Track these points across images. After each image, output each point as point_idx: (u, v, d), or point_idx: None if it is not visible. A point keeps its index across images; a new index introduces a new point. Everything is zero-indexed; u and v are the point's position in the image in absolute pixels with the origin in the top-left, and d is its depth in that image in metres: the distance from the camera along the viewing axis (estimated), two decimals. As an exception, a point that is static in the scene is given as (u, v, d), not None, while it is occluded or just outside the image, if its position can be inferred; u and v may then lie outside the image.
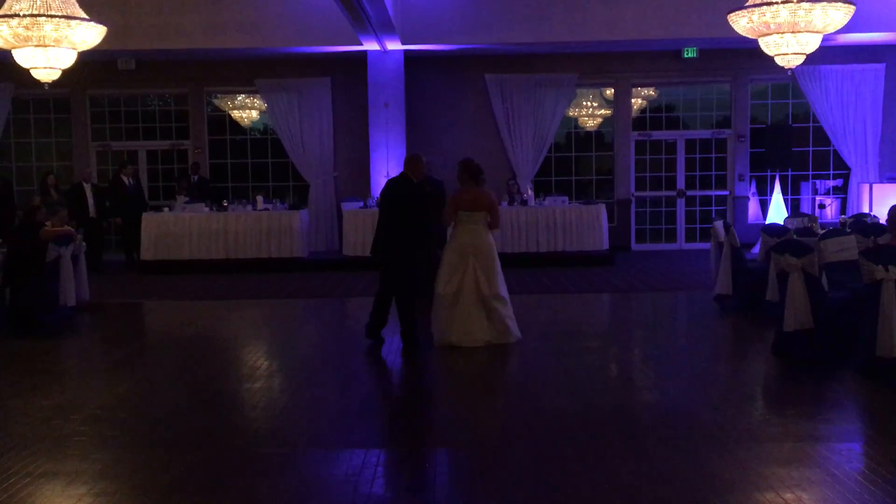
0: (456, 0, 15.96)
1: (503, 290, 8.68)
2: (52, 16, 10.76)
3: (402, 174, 8.87)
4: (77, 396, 7.08)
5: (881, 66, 17.39)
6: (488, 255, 8.59)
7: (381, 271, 8.89)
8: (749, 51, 14.86)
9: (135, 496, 4.81)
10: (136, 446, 5.71)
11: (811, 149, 18.15)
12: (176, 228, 15.62)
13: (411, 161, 8.92)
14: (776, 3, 10.73)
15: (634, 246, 18.22)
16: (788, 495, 4.58)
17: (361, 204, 16.05)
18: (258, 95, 18.17)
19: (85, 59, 12.89)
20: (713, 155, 18.31)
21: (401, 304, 8.70)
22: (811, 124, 18.03)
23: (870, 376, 6.91)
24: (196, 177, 17.08)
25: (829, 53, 16.19)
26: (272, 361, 8.80)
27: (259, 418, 6.52)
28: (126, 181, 16.17)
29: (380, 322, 8.89)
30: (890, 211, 7.45)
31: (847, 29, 12.24)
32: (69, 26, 10.93)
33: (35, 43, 10.92)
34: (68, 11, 10.93)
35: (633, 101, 18.27)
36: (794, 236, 9.57)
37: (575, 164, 18.61)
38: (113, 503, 4.69)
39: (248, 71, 17.70)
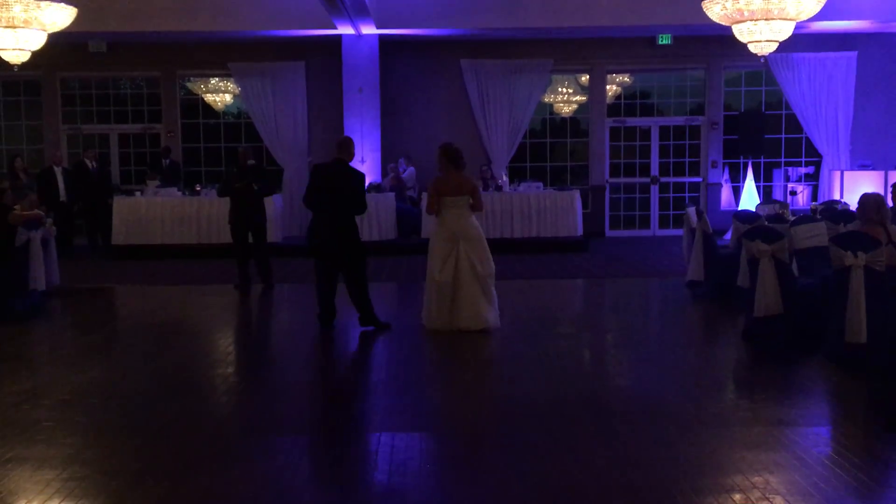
0: (431, -16, 15.91)
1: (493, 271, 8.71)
2: (21, -4, 10.63)
3: (335, 158, 8.79)
4: (47, 382, 7.02)
5: (853, 55, 17.52)
6: (476, 238, 8.61)
7: (321, 259, 8.74)
8: (723, 38, 14.89)
9: (104, 481, 4.78)
10: (106, 431, 5.67)
11: (783, 136, 18.28)
12: (148, 213, 15.50)
13: (345, 144, 8.88)
14: (750, -10, 10.78)
15: (608, 232, 18.29)
16: (756, 478, 4.63)
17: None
18: (231, 79, 18.03)
19: (55, 41, 12.72)
20: (687, 142, 18.39)
21: (359, 289, 8.67)
22: (784, 112, 18.15)
23: (838, 362, 6.97)
24: (167, 160, 16.95)
25: (801, 41, 16.29)
26: (244, 347, 8.77)
27: (230, 403, 6.50)
28: (89, 165, 16.00)
29: (332, 311, 8.83)
30: (860, 198, 7.52)
31: (820, 17, 12.33)
32: (39, 7, 10.81)
33: (4, 24, 10.79)
34: (38, -8, 10.80)
35: (607, 87, 18.29)
36: (766, 223, 9.64)
37: (550, 150, 18.64)
38: (82, 488, 4.66)
39: (222, 54, 17.54)
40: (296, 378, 7.36)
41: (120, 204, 15.54)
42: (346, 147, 8.83)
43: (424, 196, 15.52)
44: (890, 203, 10.13)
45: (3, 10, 10.63)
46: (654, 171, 18.43)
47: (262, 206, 11.84)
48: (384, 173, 16.84)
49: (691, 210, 10.95)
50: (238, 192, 11.50)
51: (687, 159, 18.43)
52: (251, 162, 12.01)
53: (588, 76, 18.25)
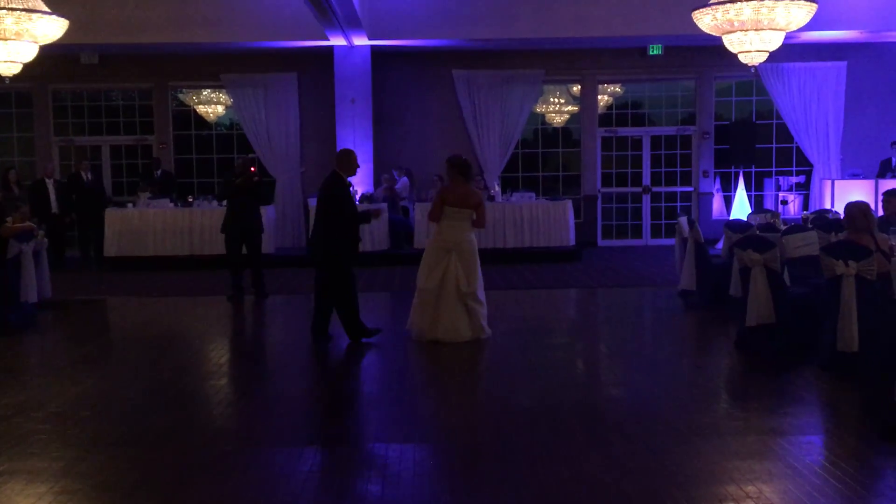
0: (423, -5, 15.96)
1: (480, 291, 8.69)
2: (12, 9, 10.62)
3: (331, 171, 8.82)
4: (38, 394, 7.00)
5: (843, 64, 17.61)
6: (469, 253, 8.61)
7: (319, 271, 8.80)
8: (713, 48, 14.97)
9: (97, 495, 4.76)
10: (99, 444, 5.65)
11: (774, 146, 18.35)
12: (140, 224, 15.48)
13: (338, 156, 8.88)
14: (740, 0, 10.83)
15: (601, 242, 18.32)
16: (750, 488, 4.63)
17: (328, 200, 15.97)
18: (224, 90, 18.04)
19: (47, 52, 12.72)
20: (678, 151, 18.46)
21: (341, 301, 8.67)
22: (774, 121, 18.23)
23: (830, 370, 7.00)
24: (159, 172, 16.94)
25: (791, 51, 16.37)
26: (237, 358, 8.75)
27: (223, 415, 6.49)
28: (84, 176, 15.99)
29: (325, 322, 8.85)
30: (846, 208, 7.55)
31: (810, 27, 12.39)
32: (30, 19, 10.79)
33: (-5, 36, 10.75)
34: (30, 4, 10.79)
35: (599, 97, 18.36)
36: (757, 232, 9.67)
37: (542, 160, 18.68)
38: (75, 501, 4.64)
39: (214, 65, 17.56)
40: (289, 389, 7.34)
41: (112, 215, 15.51)
42: (340, 159, 8.82)
43: (418, 206, 15.65)
44: (881, 212, 10.18)
45: (-5, 22, 10.63)
46: (646, 180, 18.48)
47: (259, 215, 11.88)
48: (377, 183, 16.85)
49: (683, 220, 10.98)
50: (240, 188, 11.53)
51: (678, 169, 18.49)
52: (252, 155, 12.28)
53: (579, 86, 18.31)
